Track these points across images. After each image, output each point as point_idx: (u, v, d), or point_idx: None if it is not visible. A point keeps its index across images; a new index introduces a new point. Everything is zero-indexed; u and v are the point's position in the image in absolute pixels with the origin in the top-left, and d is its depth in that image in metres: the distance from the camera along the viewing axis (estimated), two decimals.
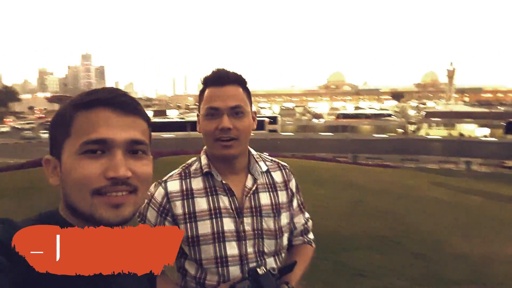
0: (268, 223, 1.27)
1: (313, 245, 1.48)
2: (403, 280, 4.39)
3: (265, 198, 1.29)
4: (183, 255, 1.25)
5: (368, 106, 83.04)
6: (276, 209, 1.30)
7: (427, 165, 23.18)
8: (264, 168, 1.33)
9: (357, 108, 72.33)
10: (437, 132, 37.63)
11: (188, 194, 1.24)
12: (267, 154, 1.44)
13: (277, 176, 1.36)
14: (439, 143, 26.40)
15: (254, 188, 1.27)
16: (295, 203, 1.40)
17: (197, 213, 1.21)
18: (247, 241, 1.23)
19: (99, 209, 0.68)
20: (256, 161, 1.32)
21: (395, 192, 10.87)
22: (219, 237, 1.20)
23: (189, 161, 1.33)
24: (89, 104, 0.70)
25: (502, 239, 6.77)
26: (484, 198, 11.53)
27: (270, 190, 1.31)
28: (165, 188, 1.24)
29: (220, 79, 1.22)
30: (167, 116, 57.07)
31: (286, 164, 1.42)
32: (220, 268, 1.20)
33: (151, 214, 1.24)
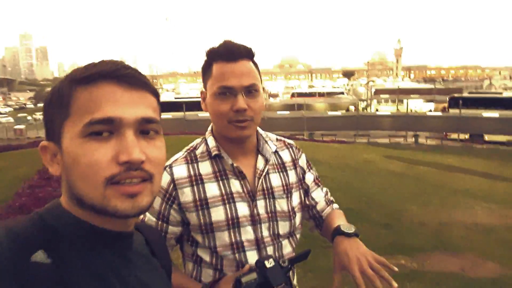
0: (282, 204, 1.21)
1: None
2: (372, 249, 4.50)
3: (276, 179, 1.23)
4: (194, 243, 1.18)
5: (321, 84, 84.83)
6: (287, 190, 1.24)
7: (378, 139, 24.16)
8: (274, 148, 1.24)
9: (310, 86, 73.66)
10: (386, 108, 39.36)
11: (197, 180, 1.15)
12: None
13: (285, 155, 1.30)
14: (388, 119, 27.55)
15: (265, 169, 1.21)
16: (311, 178, 1.34)
17: (209, 199, 1.13)
18: (262, 225, 1.17)
19: (113, 200, 0.59)
20: (266, 141, 1.23)
21: (352, 166, 11.21)
22: (233, 223, 1.14)
23: (193, 143, 1.24)
24: (90, 78, 0.60)
25: (456, 205, 7.20)
26: (433, 168, 12.22)
27: (280, 170, 1.26)
28: (171, 174, 1.14)
29: (232, 53, 1.11)
30: None
31: (292, 142, 1.35)
32: (236, 255, 1.14)
33: (156, 201, 1.09)
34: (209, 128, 1.24)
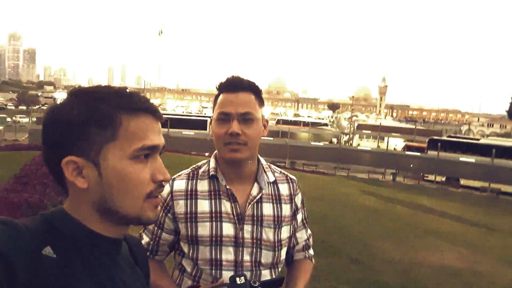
0: (268, 234, 1.26)
1: (313, 261, 1.48)
2: (342, 284, 4.56)
3: (268, 209, 1.28)
4: (181, 252, 1.28)
5: (307, 114, 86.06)
6: (277, 221, 1.29)
7: (357, 174, 24.50)
8: (272, 179, 1.32)
9: (296, 115, 74.61)
10: (367, 144, 40.10)
11: (192, 195, 1.26)
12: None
13: (284, 189, 1.34)
14: (368, 154, 28.02)
15: (258, 197, 1.26)
16: (299, 218, 1.40)
17: (199, 214, 1.23)
18: (245, 249, 1.22)
19: (148, 211, 0.72)
20: (265, 171, 1.31)
21: (330, 198, 11.34)
22: (216, 240, 1.21)
23: (200, 162, 1.36)
24: (137, 109, 0.71)
25: (427, 246, 7.36)
26: (408, 208, 12.45)
27: (275, 201, 1.30)
28: (171, 186, 1.28)
29: (233, 85, 1.25)
30: None
31: (294, 178, 1.42)
32: (214, 271, 1.22)
33: None
34: (215, 151, 1.33)
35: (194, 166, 1.34)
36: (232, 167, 1.26)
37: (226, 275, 1.18)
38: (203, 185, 1.27)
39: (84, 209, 0.71)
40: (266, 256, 1.25)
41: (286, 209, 1.31)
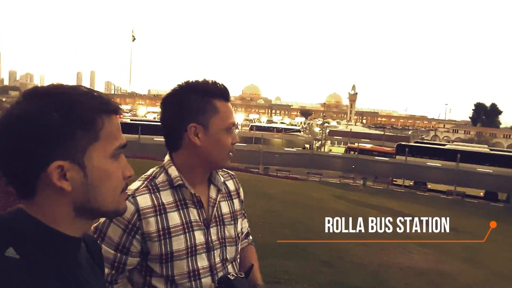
0: (230, 230, 1.31)
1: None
2: (313, 286, 4.62)
3: (225, 207, 1.32)
4: (150, 272, 1.19)
5: (280, 120, 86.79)
6: (233, 217, 1.34)
7: (329, 179, 24.89)
8: (222, 179, 1.35)
9: (269, 121, 75.07)
10: (338, 149, 40.90)
11: (160, 209, 1.18)
12: None
13: (231, 185, 1.40)
14: (339, 160, 28.54)
15: (218, 198, 1.29)
16: (241, 208, 1.44)
17: (171, 228, 1.17)
18: (215, 251, 1.24)
19: (122, 203, 0.78)
20: (216, 172, 1.33)
21: (302, 203, 11.47)
22: (192, 251, 1.20)
23: (149, 172, 1.26)
24: (113, 111, 0.75)
25: (395, 248, 7.56)
26: (377, 211, 12.75)
27: (228, 198, 1.36)
28: (135, 204, 1.15)
29: (227, 94, 1.27)
30: None
31: (233, 173, 1.47)
32: (193, 282, 1.19)
33: (114, 232, 1.14)
34: (168, 158, 1.26)
35: (145, 177, 1.24)
36: (206, 173, 1.28)
37: (205, 282, 1.19)
38: (166, 197, 1.20)
39: (56, 210, 0.70)
40: (231, 252, 1.29)
41: (236, 204, 1.38)
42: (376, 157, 29.22)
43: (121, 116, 0.81)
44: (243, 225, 1.43)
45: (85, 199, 0.71)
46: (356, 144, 34.90)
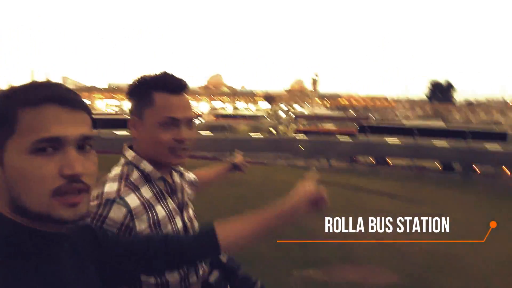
0: (190, 209, 1.37)
1: None
2: (286, 263, 4.87)
3: (186, 188, 1.38)
4: (138, 282, 1.14)
5: (244, 107, 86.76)
6: (189, 198, 1.41)
7: (296, 162, 25.40)
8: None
9: (235, 109, 74.85)
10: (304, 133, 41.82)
11: (149, 205, 1.16)
12: None
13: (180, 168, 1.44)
14: (305, 143, 29.14)
15: (181, 182, 1.34)
16: None
17: (161, 220, 1.18)
18: (188, 232, 1.28)
19: (58, 209, 0.67)
20: None
21: (272, 187, 11.71)
22: None
23: (119, 172, 1.20)
24: (36, 101, 0.67)
25: (362, 220, 7.97)
26: (343, 189, 13.28)
27: (183, 180, 1.38)
28: (126, 205, 1.11)
29: (177, 86, 1.19)
30: None
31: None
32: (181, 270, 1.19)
33: None
34: (133, 154, 1.22)
35: (118, 177, 1.18)
36: (164, 166, 1.24)
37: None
38: (146, 192, 1.18)
39: (12, 208, 0.69)
40: (194, 229, 1.33)
41: (188, 182, 1.46)
42: (340, 138, 30.11)
43: (74, 106, 0.71)
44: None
45: (10, 197, 0.67)
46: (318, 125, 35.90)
